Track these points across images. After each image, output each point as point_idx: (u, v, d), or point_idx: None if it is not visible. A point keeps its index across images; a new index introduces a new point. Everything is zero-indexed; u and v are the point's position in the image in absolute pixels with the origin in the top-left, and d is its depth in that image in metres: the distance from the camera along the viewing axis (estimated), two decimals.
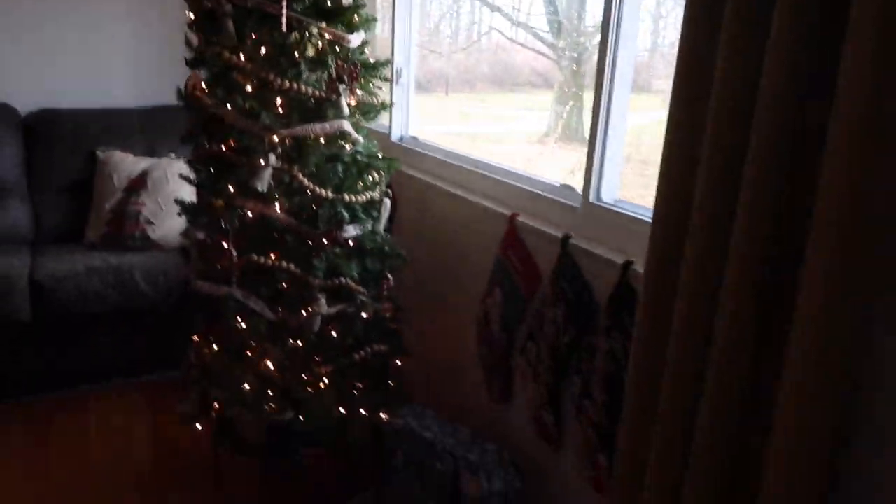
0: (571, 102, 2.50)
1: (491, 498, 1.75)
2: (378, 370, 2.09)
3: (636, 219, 1.65)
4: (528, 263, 1.92)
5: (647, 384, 1.38)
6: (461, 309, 2.33)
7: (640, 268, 1.55)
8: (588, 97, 1.96)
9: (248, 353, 1.92)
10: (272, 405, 1.91)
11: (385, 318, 2.10)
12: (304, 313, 1.88)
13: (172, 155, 3.04)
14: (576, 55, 2.44)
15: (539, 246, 1.90)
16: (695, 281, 1.24)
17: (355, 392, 2.04)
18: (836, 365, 1.06)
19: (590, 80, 1.97)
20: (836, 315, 1.04)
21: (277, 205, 1.86)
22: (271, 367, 1.93)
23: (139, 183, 2.85)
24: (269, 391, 1.91)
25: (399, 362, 2.15)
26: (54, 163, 2.94)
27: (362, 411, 2.05)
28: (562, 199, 1.88)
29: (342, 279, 1.93)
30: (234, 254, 1.83)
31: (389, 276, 2.06)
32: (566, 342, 1.75)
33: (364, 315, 2.01)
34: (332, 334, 1.98)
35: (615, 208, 1.72)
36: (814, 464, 1.10)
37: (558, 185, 1.97)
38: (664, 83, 1.72)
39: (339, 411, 1.98)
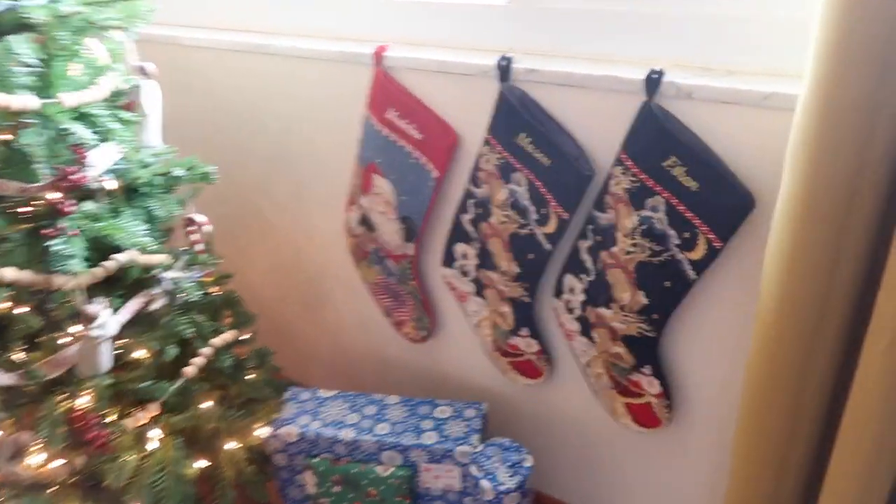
0: None
1: (502, 499, 1.12)
2: (229, 370, 1.25)
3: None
4: (429, 123, 1.16)
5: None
6: (311, 223, 1.51)
7: (678, 79, 0.90)
8: None
9: None
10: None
11: (206, 290, 1.22)
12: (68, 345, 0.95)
13: None
14: None
15: (442, 90, 1.14)
16: None
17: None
18: None
19: None
20: None
21: None
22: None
23: None
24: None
25: (245, 336, 1.32)
26: None
27: (229, 446, 1.23)
28: (473, 2, 1.11)
29: (119, 254, 1.01)
30: None
31: (197, 217, 1.16)
32: (548, 233, 1.09)
33: (171, 300, 1.12)
34: (135, 356, 1.08)
35: None
36: None
37: None
38: None
39: (191, 467, 1.15)
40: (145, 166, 1.09)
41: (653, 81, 0.90)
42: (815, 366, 0.79)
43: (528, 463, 1.14)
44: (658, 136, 0.92)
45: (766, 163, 0.88)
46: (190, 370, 1.15)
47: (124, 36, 1.02)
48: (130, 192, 1.07)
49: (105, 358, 0.96)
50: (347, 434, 1.26)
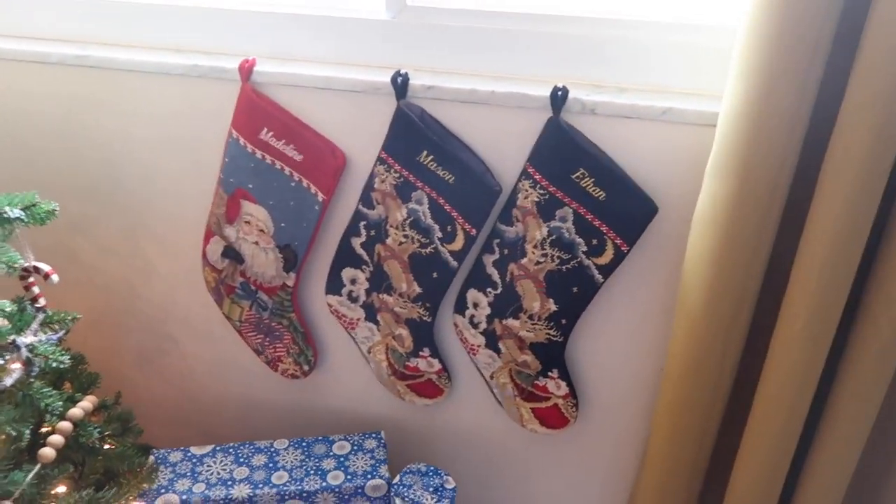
0: None
1: None
2: (94, 444, 1.05)
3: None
4: (312, 143, 1.08)
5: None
6: (149, 264, 1.33)
7: (583, 94, 0.95)
8: None
9: None
10: None
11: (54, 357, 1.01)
12: None
13: None
14: None
15: (324, 108, 1.08)
16: None
17: None
18: None
19: None
20: None
21: None
22: None
23: None
24: None
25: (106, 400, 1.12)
26: None
27: None
28: (352, 16, 1.05)
29: None
30: None
31: (41, 266, 0.96)
32: (454, 250, 1.07)
33: (28, 370, 0.91)
34: None
35: (482, 7, 1.01)
36: None
37: None
38: None
39: None
40: None
41: (559, 98, 0.94)
42: (732, 348, 0.89)
43: (451, 484, 1.12)
44: (566, 150, 0.96)
45: (665, 172, 0.96)
46: (48, 452, 0.94)
47: None
48: None
49: None
50: (241, 491, 1.13)
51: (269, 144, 1.09)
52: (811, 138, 0.76)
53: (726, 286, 0.83)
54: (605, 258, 1.01)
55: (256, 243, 1.18)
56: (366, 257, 1.14)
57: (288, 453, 1.21)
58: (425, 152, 1.01)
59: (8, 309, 0.80)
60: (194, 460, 1.19)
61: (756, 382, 0.89)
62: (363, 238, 1.13)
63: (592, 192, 0.96)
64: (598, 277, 1.03)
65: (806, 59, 0.69)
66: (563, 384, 1.14)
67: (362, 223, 1.12)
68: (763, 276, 0.85)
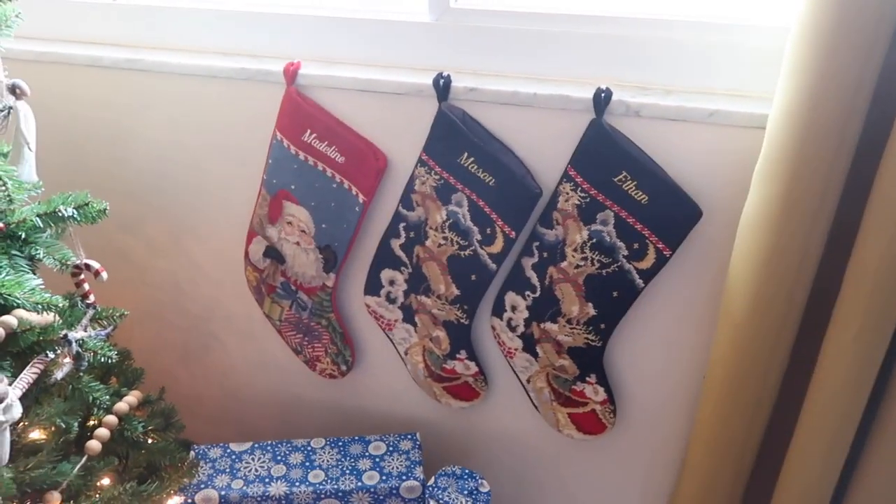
0: None
1: None
2: (138, 437, 1.07)
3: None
4: (354, 145, 1.09)
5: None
6: (194, 263, 1.35)
7: (627, 96, 0.94)
8: None
9: None
10: None
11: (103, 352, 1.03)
12: None
13: None
14: None
15: (365, 110, 1.08)
16: None
17: None
18: None
19: None
20: None
21: None
22: None
23: None
24: None
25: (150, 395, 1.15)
26: None
27: None
28: (395, 19, 1.06)
29: (5, 315, 0.82)
30: None
31: (91, 263, 0.98)
32: (493, 253, 1.07)
33: (77, 364, 0.93)
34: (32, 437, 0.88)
35: (524, 9, 1.01)
36: None
37: None
38: None
39: None
40: (23, 205, 0.91)
41: (602, 100, 0.93)
42: (778, 355, 0.86)
43: (486, 488, 1.11)
44: (609, 153, 0.95)
45: (710, 175, 0.94)
46: (94, 445, 0.97)
47: None
48: (7, 238, 0.88)
49: (7, 447, 0.77)
50: (278, 488, 1.14)
51: (311, 146, 1.10)
52: (865, 139, 0.74)
53: (774, 293, 0.81)
54: (647, 262, 0.99)
55: (298, 244, 1.19)
56: (405, 259, 1.15)
57: (324, 452, 1.22)
58: (466, 154, 1.01)
59: (60, 304, 0.82)
60: (233, 457, 1.21)
61: (803, 391, 0.87)
62: (402, 240, 1.13)
63: (635, 195, 0.95)
64: (639, 282, 1.01)
65: (861, 57, 0.67)
66: (601, 389, 1.13)
67: (402, 225, 1.12)
68: (812, 282, 0.82)
